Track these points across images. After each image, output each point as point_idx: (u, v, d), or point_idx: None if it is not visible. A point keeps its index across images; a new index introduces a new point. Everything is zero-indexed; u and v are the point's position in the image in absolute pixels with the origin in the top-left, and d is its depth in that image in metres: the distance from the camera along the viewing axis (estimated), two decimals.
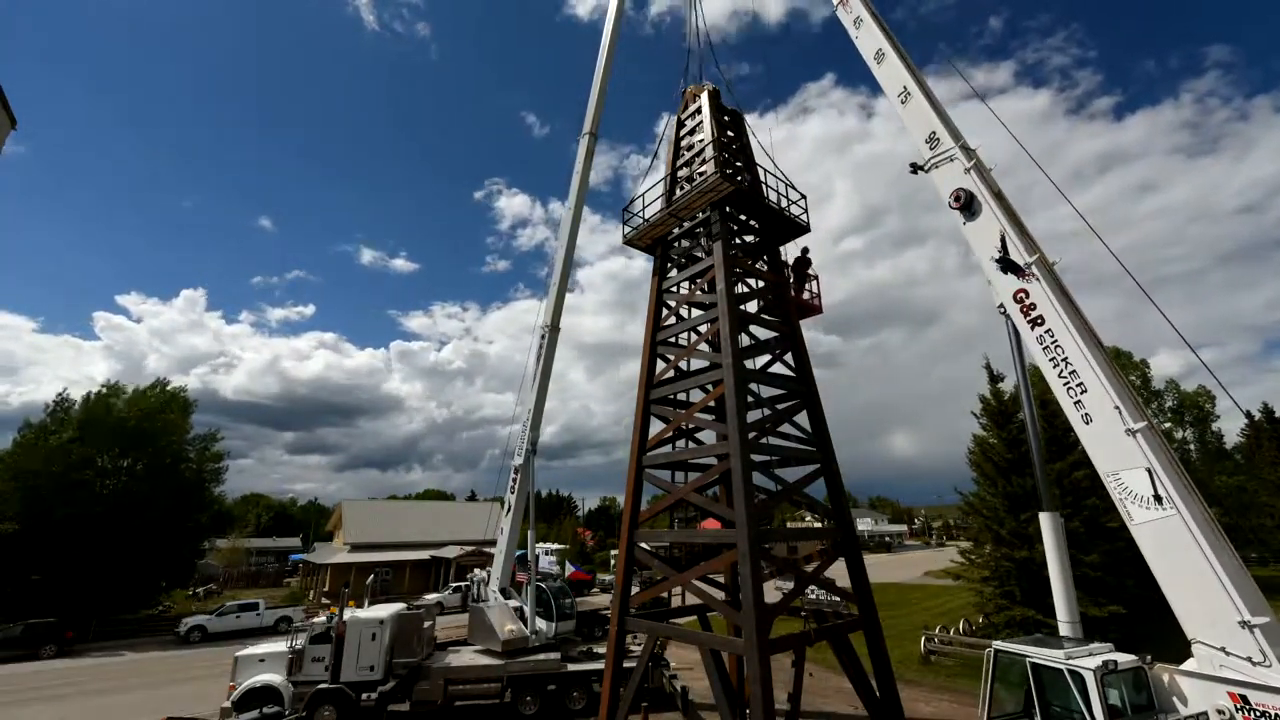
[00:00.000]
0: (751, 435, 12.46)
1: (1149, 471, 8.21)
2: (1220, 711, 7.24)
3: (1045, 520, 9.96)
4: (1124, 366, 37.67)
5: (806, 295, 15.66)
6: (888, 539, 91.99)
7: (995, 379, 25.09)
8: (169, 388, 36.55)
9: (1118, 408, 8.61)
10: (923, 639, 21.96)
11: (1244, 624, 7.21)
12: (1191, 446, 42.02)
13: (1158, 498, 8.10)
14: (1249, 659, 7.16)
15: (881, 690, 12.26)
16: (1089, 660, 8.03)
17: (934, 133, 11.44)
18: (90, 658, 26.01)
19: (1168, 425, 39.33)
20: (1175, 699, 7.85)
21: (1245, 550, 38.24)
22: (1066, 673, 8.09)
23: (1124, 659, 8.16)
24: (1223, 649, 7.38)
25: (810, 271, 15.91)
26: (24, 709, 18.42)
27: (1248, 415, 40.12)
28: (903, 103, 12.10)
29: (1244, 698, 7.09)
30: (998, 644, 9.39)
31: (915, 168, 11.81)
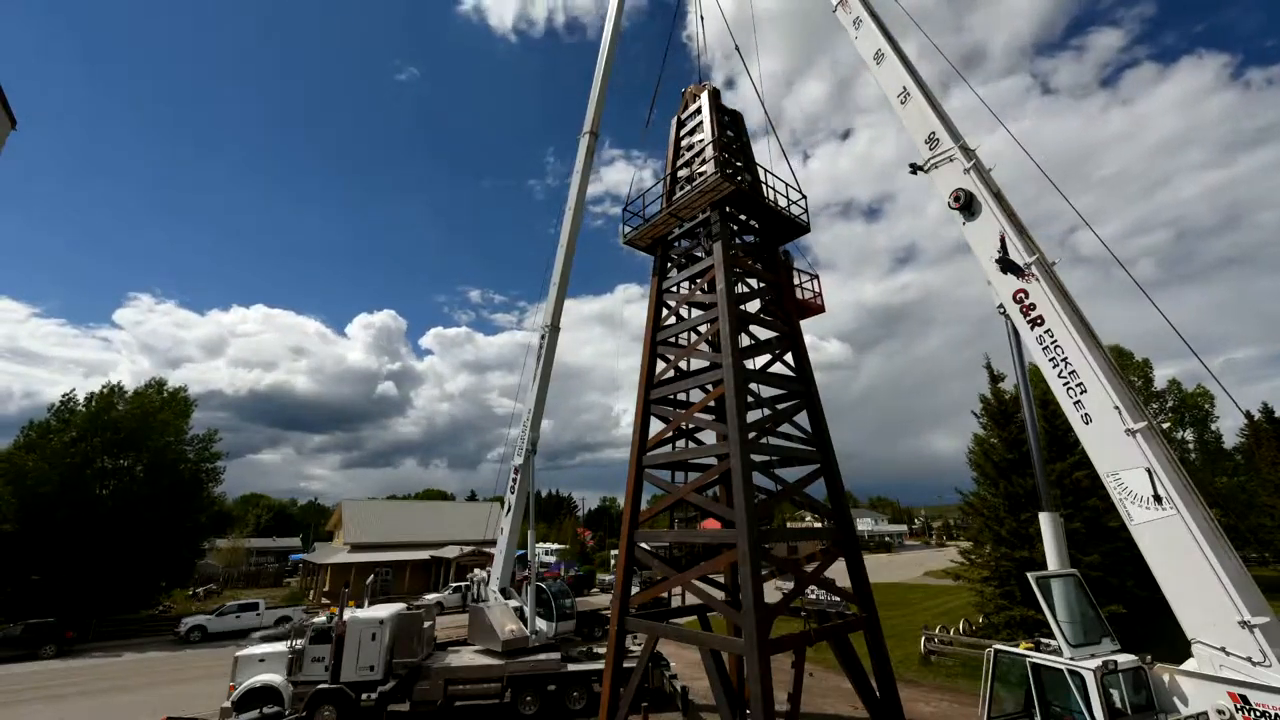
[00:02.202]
0: (751, 435, 12.46)
1: (1148, 471, 8.20)
2: (1220, 711, 7.23)
3: (1045, 520, 9.95)
4: (1125, 366, 37.66)
5: (810, 294, 15.59)
6: (888, 539, 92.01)
7: (996, 379, 25.10)
8: (167, 387, 36.57)
9: (1117, 408, 8.60)
10: (923, 639, 21.96)
11: (1244, 624, 7.21)
12: (1191, 446, 42.00)
13: (1157, 498, 8.09)
14: (1249, 659, 7.16)
15: (881, 690, 12.26)
16: (1089, 661, 8.05)
17: (933, 133, 11.44)
18: (90, 658, 25.99)
19: (1166, 425, 39.31)
20: (1175, 699, 7.84)
21: (1245, 550, 38.19)
22: (1066, 673, 8.10)
23: (1124, 659, 8.17)
24: (1223, 649, 7.38)
25: (806, 270, 15.86)
26: (24, 709, 18.42)
27: (1247, 415, 40.15)
28: (902, 103, 12.09)
29: (1244, 698, 7.08)
30: (998, 645, 9.42)
31: (915, 168, 11.81)
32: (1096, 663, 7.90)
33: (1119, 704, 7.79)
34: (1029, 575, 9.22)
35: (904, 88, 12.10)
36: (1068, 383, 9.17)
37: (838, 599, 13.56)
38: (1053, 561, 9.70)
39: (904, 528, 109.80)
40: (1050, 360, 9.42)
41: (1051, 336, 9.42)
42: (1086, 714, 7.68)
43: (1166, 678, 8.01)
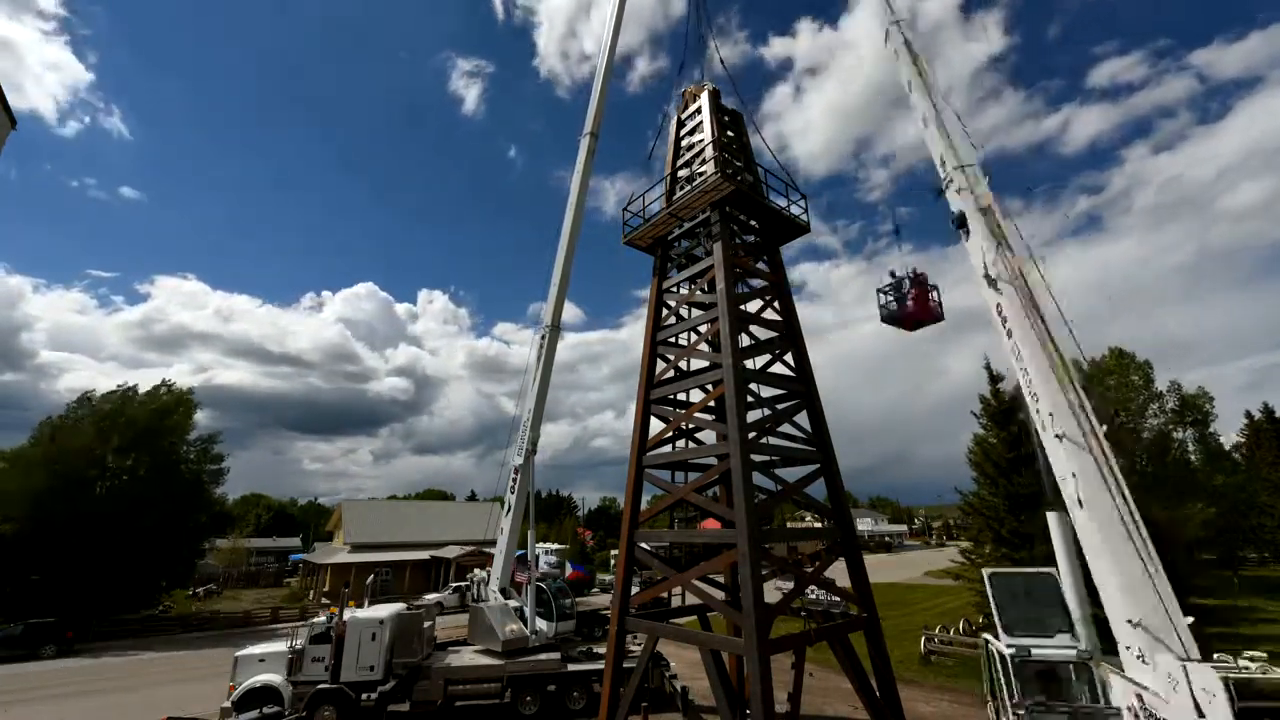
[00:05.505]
0: (751, 435, 12.46)
1: (1074, 475, 8.28)
2: (1129, 709, 7.26)
3: (1053, 520, 9.96)
4: (1127, 367, 37.74)
5: (931, 303, 14.96)
6: (888, 539, 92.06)
7: (995, 379, 25.14)
8: (174, 388, 36.65)
9: (1051, 415, 8.68)
10: (923, 639, 21.98)
11: (1132, 622, 7.21)
12: (1191, 446, 42.00)
13: (1080, 501, 8.18)
14: (1139, 657, 7.17)
15: (881, 690, 12.26)
16: (1008, 648, 9.93)
17: (943, 156, 11.53)
18: (90, 658, 26.01)
19: (1166, 426, 39.31)
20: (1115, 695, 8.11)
21: (1245, 550, 38.27)
22: (995, 654, 10.08)
23: (1054, 651, 9.70)
24: (1126, 647, 7.44)
25: (930, 283, 15.19)
26: (24, 709, 18.43)
27: (1247, 415, 40.39)
28: (925, 126, 12.20)
29: (1139, 696, 7.11)
30: (988, 636, 9.91)
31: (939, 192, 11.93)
32: (1013, 649, 9.67)
33: (1079, 696, 9.27)
34: (983, 571, 10.03)
35: (924, 117, 12.19)
36: (1030, 390, 9.31)
37: (838, 599, 13.56)
38: (1061, 560, 9.74)
39: (904, 528, 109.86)
40: (1021, 369, 9.61)
41: (1016, 347, 9.63)
42: (1005, 690, 9.63)
43: (1111, 676, 8.13)
